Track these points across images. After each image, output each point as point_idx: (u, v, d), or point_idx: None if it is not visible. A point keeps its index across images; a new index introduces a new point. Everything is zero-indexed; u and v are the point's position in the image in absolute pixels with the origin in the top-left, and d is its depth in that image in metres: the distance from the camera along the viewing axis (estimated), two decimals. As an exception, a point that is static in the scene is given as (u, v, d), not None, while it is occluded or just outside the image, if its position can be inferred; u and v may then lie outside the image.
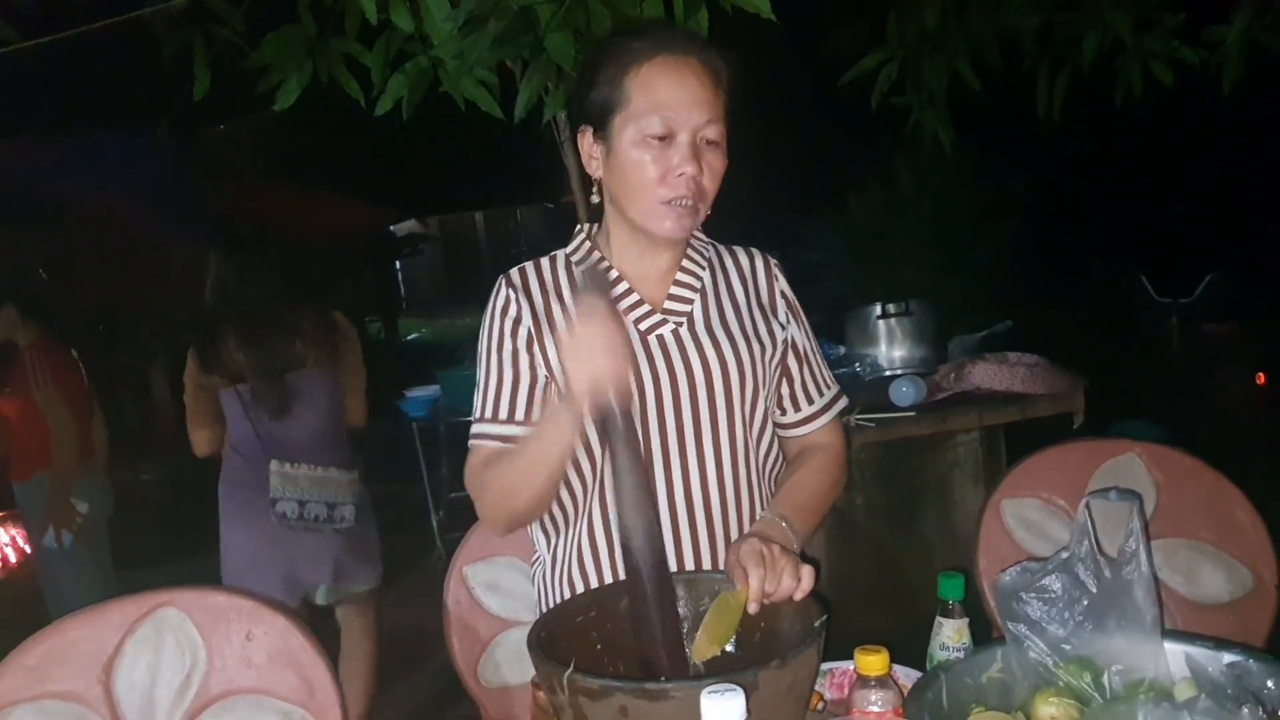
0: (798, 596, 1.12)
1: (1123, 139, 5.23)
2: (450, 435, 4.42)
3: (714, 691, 0.78)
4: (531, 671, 1.71)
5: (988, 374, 2.62)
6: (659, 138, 1.30)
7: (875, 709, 0.88)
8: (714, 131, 1.32)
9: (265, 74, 2.49)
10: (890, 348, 2.97)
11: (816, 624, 1.00)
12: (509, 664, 1.74)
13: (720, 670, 0.96)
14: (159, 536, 4.83)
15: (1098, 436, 1.84)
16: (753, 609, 1.11)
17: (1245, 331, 5.16)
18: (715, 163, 1.33)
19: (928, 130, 3.05)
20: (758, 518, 1.38)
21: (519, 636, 1.74)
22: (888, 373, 2.93)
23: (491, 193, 17.61)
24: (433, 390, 4.07)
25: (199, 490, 3.06)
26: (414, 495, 4.47)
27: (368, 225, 10.83)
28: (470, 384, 4.24)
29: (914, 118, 3.07)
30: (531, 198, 19.40)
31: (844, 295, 4.08)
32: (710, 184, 1.34)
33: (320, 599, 2.87)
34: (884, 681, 0.89)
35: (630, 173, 1.33)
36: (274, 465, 2.72)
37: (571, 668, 0.90)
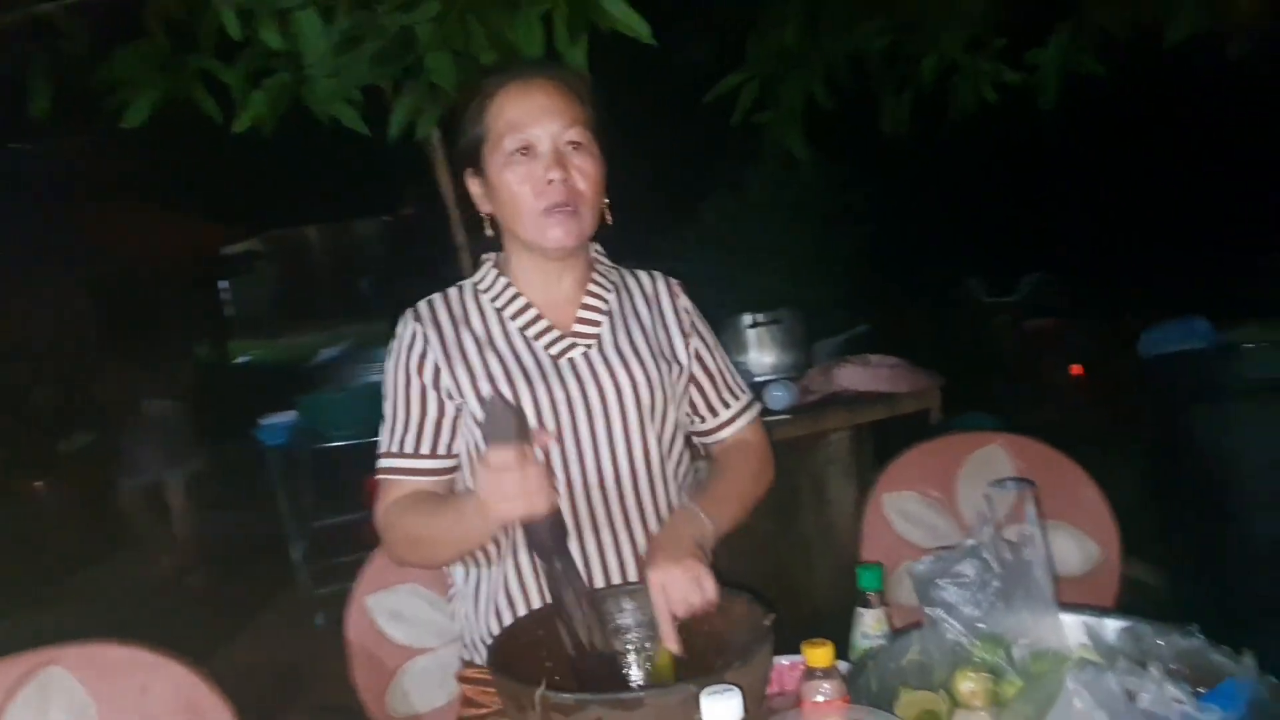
0: (707, 603, 1.19)
1: (956, 152, 5.62)
2: (316, 460, 4.27)
3: (713, 692, 0.81)
4: (441, 698, 1.73)
5: (853, 376, 2.79)
6: (521, 151, 1.35)
7: (823, 698, 0.94)
8: (575, 134, 1.37)
9: (112, 91, 2.38)
10: (761, 354, 3.10)
11: (766, 623, 1.06)
12: (417, 692, 1.71)
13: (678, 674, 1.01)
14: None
15: (961, 430, 1.99)
16: (673, 649, 1.18)
17: (1065, 326, 5.69)
18: (584, 164, 1.38)
19: (784, 145, 3.20)
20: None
21: (425, 664, 1.72)
22: (759, 379, 3.05)
23: (327, 206, 17.07)
24: (291, 416, 3.93)
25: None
26: (270, 526, 4.30)
27: (194, 242, 10.29)
28: (332, 408, 4.09)
29: (773, 134, 3.22)
30: (369, 211, 18.94)
31: (700, 303, 4.19)
32: (585, 185, 1.38)
33: None
34: (829, 672, 0.95)
35: (504, 194, 1.38)
36: None
37: (544, 686, 0.92)
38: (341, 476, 4.79)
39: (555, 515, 1.15)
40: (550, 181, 1.35)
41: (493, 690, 1.43)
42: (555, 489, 1.21)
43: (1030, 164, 6.73)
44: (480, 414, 1.38)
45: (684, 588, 1.19)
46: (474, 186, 1.44)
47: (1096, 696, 0.82)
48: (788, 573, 2.82)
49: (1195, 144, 6.88)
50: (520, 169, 1.36)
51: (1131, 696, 0.85)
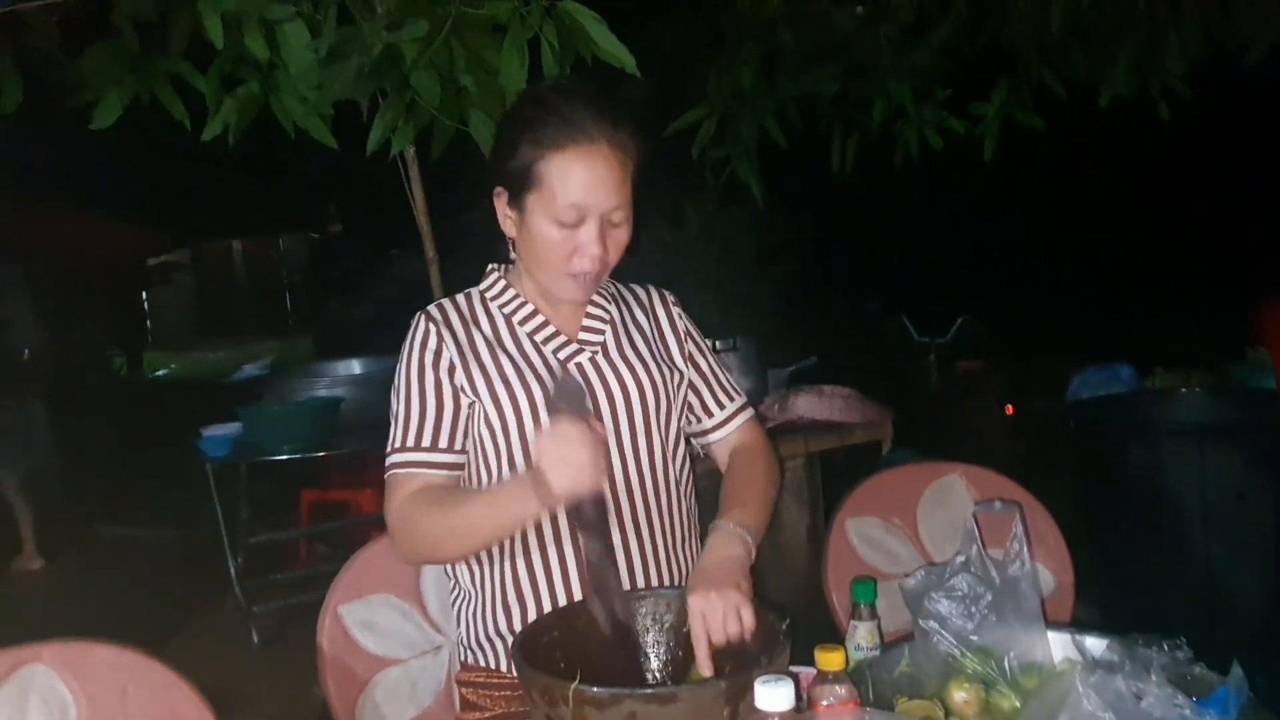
0: (746, 631, 1.22)
1: (894, 195, 5.83)
2: (252, 475, 4.18)
3: (766, 680, 0.85)
4: (411, 710, 1.72)
5: (809, 405, 2.87)
6: (569, 217, 1.38)
7: (835, 702, 0.98)
8: (620, 215, 1.41)
9: (80, 88, 2.34)
10: (717, 365, 3.16)
11: (784, 626, 1.11)
12: (388, 703, 1.70)
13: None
14: None
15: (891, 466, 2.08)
16: (706, 674, 1.20)
17: (992, 367, 5.94)
18: (619, 236, 1.44)
19: (742, 180, 3.31)
20: (707, 525, 1.48)
21: (398, 675, 1.71)
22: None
23: (251, 219, 16.70)
24: (234, 428, 3.85)
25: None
26: (204, 539, 4.20)
27: (118, 250, 9.98)
28: (275, 420, 4.01)
29: (729, 168, 3.32)
30: (295, 226, 18.59)
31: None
32: (614, 255, 1.44)
33: None
34: (840, 677, 1.00)
35: (540, 247, 1.41)
36: None
37: (578, 680, 0.94)
38: (277, 492, 4.72)
39: (602, 496, 1.18)
40: (588, 255, 1.39)
41: (493, 692, 1.45)
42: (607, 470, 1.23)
43: (967, 209, 7.03)
44: (494, 414, 1.42)
45: (722, 616, 1.22)
46: (504, 208, 1.46)
47: (1105, 698, 0.89)
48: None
49: (1125, 197, 7.28)
50: (564, 232, 1.38)
51: (1136, 700, 0.91)
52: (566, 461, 1.15)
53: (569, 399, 1.17)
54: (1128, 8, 3.04)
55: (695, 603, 1.24)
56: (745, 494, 1.51)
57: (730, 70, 3.29)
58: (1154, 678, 0.92)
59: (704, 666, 1.21)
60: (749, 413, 1.67)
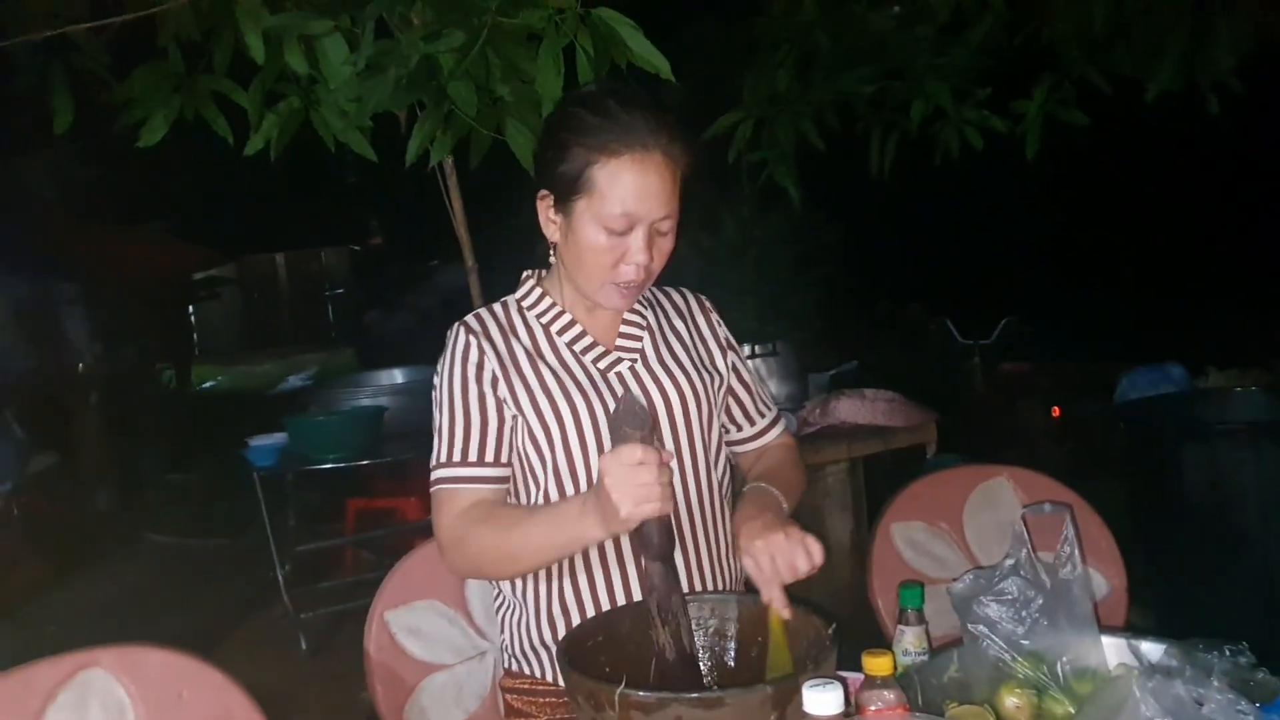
0: (814, 567, 1.22)
1: (935, 196, 5.77)
2: (298, 484, 4.24)
3: (815, 685, 0.85)
4: (458, 716, 1.73)
5: (851, 409, 2.85)
6: (619, 225, 1.36)
7: (884, 707, 0.97)
8: (668, 224, 1.40)
9: (127, 108, 2.39)
10: (754, 376, 3.15)
11: (830, 631, 1.09)
12: (434, 708, 1.71)
13: (739, 680, 1.04)
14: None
15: (970, 463, 2.04)
16: (786, 615, 1.20)
17: (1037, 370, 5.85)
18: (665, 245, 1.42)
19: (780, 184, 3.29)
20: (733, 506, 1.48)
21: (444, 680, 1.72)
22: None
23: (294, 233, 16.98)
24: (280, 438, 3.90)
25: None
26: (252, 547, 4.26)
27: (167, 266, 10.17)
28: (320, 429, 4.06)
29: (766, 172, 3.31)
30: (337, 239, 18.87)
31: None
32: (658, 264, 1.42)
33: None
34: (888, 682, 0.99)
35: (586, 254, 1.39)
36: None
37: (623, 684, 0.94)
38: (323, 500, 4.79)
39: (669, 521, 1.16)
40: (634, 263, 1.38)
41: (538, 698, 1.45)
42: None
43: (1009, 209, 6.94)
44: (538, 427, 1.41)
45: (791, 553, 1.22)
46: (547, 212, 1.44)
47: (1165, 704, 0.86)
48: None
49: (1173, 192, 7.13)
50: (612, 239, 1.37)
51: (1197, 706, 0.89)
52: (633, 486, 1.12)
53: (633, 420, 1.14)
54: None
55: (760, 545, 1.23)
56: (779, 476, 1.52)
57: (766, 74, 3.28)
58: (1215, 683, 0.90)
59: (783, 607, 1.19)
60: (784, 424, 1.69)
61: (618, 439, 1.14)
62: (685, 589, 1.43)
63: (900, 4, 3.30)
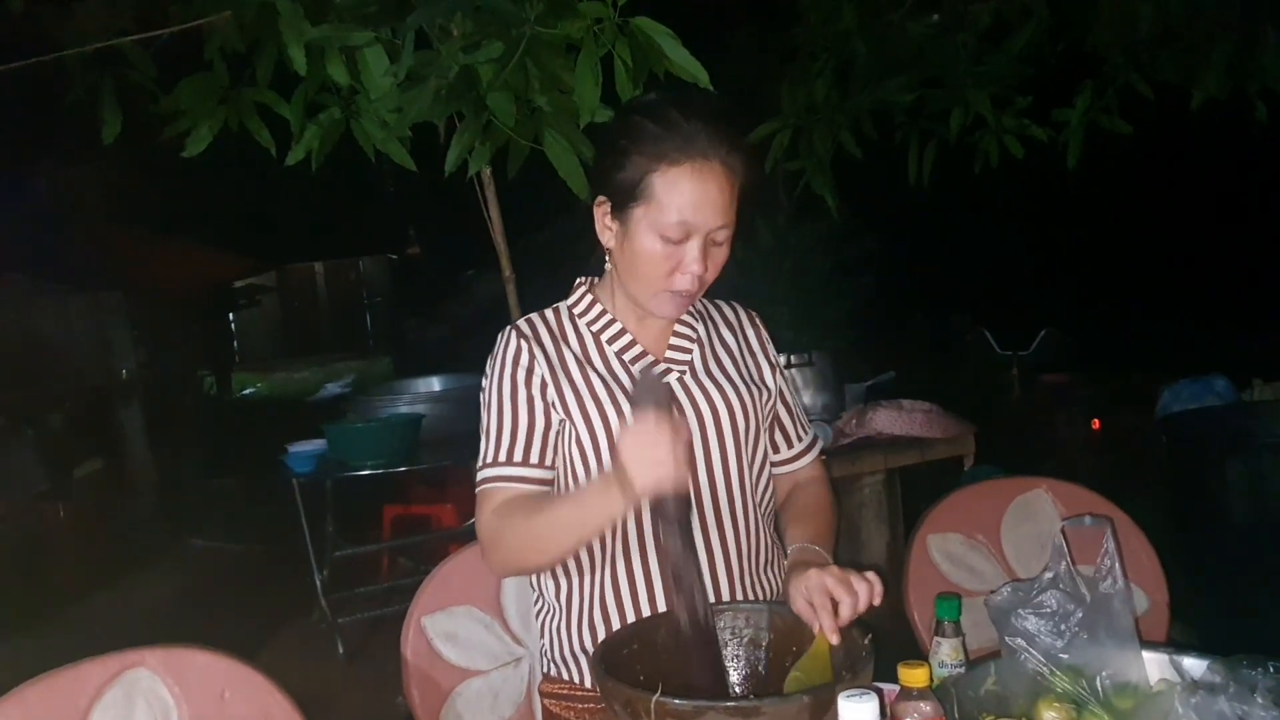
0: (876, 602, 1.21)
1: (974, 206, 5.72)
2: (336, 491, 4.28)
3: (851, 695, 0.84)
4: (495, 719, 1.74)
5: (888, 420, 2.83)
6: (676, 233, 1.36)
7: (920, 718, 0.96)
8: (724, 235, 1.40)
9: (173, 119, 2.44)
10: (795, 396, 3.14)
11: (866, 642, 1.09)
12: (470, 713, 1.72)
13: (773, 689, 1.03)
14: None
15: (1009, 475, 2.02)
16: (834, 640, 1.19)
17: (1077, 381, 5.78)
18: (719, 256, 1.42)
19: (817, 193, 3.28)
20: (784, 550, 1.49)
21: (480, 686, 1.73)
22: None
23: (332, 243, 17.19)
24: (319, 444, 3.95)
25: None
26: (291, 552, 4.31)
27: (208, 274, 10.35)
28: (358, 436, 4.10)
29: (804, 181, 3.30)
30: (375, 249, 19.08)
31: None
32: (712, 275, 1.42)
33: None
34: (924, 693, 0.98)
35: (641, 262, 1.39)
36: None
37: (659, 692, 0.94)
38: (361, 507, 4.83)
39: (686, 491, 1.17)
40: (689, 272, 1.38)
41: (576, 704, 1.46)
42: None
43: (1049, 219, 6.86)
44: (585, 433, 1.43)
45: (850, 587, 1.21)
46: (604, 218, 1.44)
47: None
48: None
49: (1216, 202, 7.01)
50: (668, 248, 1.37)
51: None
52: (649, 457, 1.14)
53: (651, 394, 1.16)
54: (1222, 5, 2.92)
55: (819, 580, 1.22)
56: (817, 523, 1.51)
57: (804, 83, 3.27)
58: (1259, 700, 0.88)
59: (832, 634, 1.18)
60: (819, 447, 1.68)
61: (635, 412, 1.16)
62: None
63: (939, 12, 3.28)
